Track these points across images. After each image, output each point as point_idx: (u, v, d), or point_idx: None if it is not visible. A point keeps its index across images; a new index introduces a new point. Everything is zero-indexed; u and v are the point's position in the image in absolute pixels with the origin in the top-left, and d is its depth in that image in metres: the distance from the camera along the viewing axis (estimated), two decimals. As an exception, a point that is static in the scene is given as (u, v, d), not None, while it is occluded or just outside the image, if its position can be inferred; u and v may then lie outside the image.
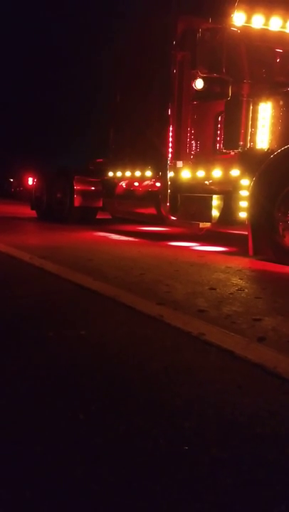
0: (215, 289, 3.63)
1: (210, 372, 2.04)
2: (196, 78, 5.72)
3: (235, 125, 5.71)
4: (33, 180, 10.53)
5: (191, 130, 6.56)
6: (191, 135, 6.56)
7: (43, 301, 3.19)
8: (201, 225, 6.26)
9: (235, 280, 4.04)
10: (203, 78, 5.68)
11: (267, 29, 5.73)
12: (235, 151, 5.78)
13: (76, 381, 1.94)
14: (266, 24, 5.70)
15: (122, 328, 2.63)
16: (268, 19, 5.68)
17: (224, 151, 5.95)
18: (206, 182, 6.32)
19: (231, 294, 3.52)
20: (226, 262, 4.96)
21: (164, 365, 2.09)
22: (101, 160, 9.26)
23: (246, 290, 3.66)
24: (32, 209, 10.48)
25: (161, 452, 1.44)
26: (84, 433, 1.55)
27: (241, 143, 5.68)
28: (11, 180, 20.34)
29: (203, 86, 5.71)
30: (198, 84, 5.72)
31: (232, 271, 4.46)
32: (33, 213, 10.39)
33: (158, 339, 2.46)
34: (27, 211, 10.61)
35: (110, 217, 9.47)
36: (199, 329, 2.55)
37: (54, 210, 9.67)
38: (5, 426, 1.59)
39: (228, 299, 3.33)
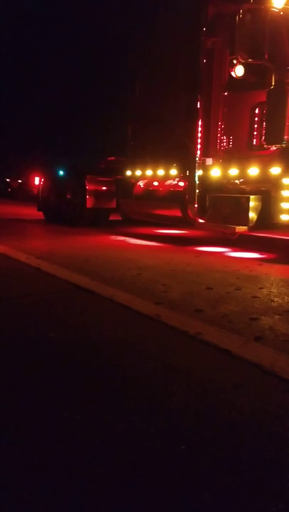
0: (212, 289, 3.64)
1: (207, 372, 2.04)
2: (235, 65, 5.10)
3: (279, 117, 5.07)
4: (40, 180, 9.90)
5: (222, 124, 5.94)
6: (222, 130, 5.94)
7: (42, 303, 3.19)
8: (237, 229, 5.61)
9: (232, 280, 4.04)
10: (244, 65, 5.08)
11: None
12: (278, 145, 5.17)
13: (73, 380, 1.94)
14: None
15: (119, 327, 2.63)
16: None
17: (265, 146, 5.31)
18: (239, 181, 5.74)
19: (228, 293, 3.52)
20: (224, 263, 4.96)
21: (161, 365, 2.10)
22: (113, 158, 8.69)
23: (243, 289, 3.67)
24: (38, 210, 9.76)
25: (158, 451, 1.45)
26: (81, 432, 1.55)
27: (286, 137, 5.06)
28: (8, 180, 20.18)
29: (244, 73, 5.12)
30: (239, 71, 5.12)
31: (229, 270, 4.47)
32: (40, 215, 9.87)
33: (155, 339, 2.46)
34: (34, 212, 10.07)
35: (121, 219, 8.98)
36: (196, 329, 2.56)
37: (63, 212, 8.93)
38: (2, 426, 1.59)
39: (225, 299, 3.34)
